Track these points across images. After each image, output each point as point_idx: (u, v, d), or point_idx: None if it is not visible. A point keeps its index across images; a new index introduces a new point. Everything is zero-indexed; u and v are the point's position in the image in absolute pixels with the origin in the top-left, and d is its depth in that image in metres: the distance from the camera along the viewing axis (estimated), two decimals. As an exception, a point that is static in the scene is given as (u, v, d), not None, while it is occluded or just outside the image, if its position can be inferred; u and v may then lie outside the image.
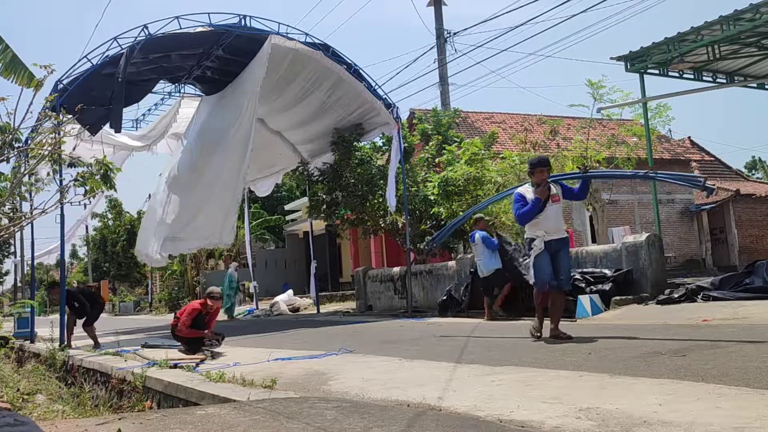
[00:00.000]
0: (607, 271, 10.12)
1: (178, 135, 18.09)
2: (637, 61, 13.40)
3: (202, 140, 13.97)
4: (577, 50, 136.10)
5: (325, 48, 13.77)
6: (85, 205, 7.01)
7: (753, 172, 44.72)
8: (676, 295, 9.39)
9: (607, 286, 9.80)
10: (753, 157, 46.43)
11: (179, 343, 8.77)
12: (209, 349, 7.87)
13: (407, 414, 3.60)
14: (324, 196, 16.97)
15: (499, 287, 10.89)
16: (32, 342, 12.20)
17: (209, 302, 8.50)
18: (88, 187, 5.72)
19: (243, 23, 13.03)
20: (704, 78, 14.76)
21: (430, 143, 18.49)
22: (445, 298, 12.55)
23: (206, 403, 4.81)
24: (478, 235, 11.05)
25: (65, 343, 10.59)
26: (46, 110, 5.89)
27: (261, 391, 4.80)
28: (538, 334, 6.78)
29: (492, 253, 10.90)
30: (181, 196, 13.91)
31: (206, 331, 8.25)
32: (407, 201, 15.38)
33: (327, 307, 19.50)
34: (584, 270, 10.38)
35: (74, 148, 9.18)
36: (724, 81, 15.08)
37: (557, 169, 14.29)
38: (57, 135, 5.63)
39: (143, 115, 17.43)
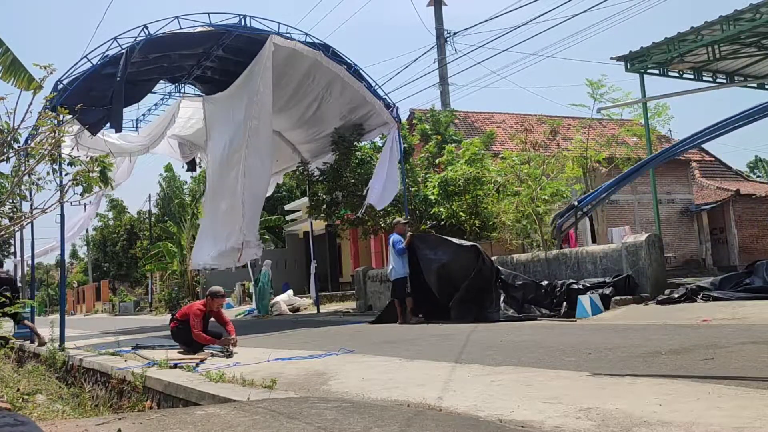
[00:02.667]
0: (606, 279, 10.13)
1: (178, 136, 18.09)
2: (637, 61, 13.40)
3: (222, 148, 14.03)
4: (577, 50, 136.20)
5: (325, 48, 13.77)
6: (85, 206, 7.02)
7: (755, 171, 44.75)
8: (676, 295, 9.40)
9: (607, 290, 9.82)
10: (756, 156, 46.57)
11: (171, 344, 8.76)
12: (224, 353, 7.73)
13: (407, 414, 3.60)
14: (324, 196, 16.97)
15: (400, 296, 10.99)
16: (32, 342, 12.19)
17: (215, 301, 8.47)
18: (85, 185, 5.72)
19: (243, 23, 13.03)
20: (704, 78, 14.77)
21: (430, 143, 18.51)
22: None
23: (206, 403, 4.80)
24: (393, 238, 11.27)
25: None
26: (46, 110, 5.90)
27: (261, 391, 4.80)
28: None
29: (400, 259, 10.96)
30: (217, 206, 13.94)
31: (228, 332, 8.20)
32: (407, 201, 15.39)
33: (327, 307, 19.49)
34: (585, 280, 10.39)
35: (74, 149, 9.19)
36: (724, 81, 15.08)
37: (557, 168, 14.30)
38: (56, 134, 5.63)
39: (143, 115, 17.43)
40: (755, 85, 15.98)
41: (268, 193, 21.26)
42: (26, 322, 11.71)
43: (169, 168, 44.85)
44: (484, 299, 10.40)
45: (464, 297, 10.51)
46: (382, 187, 14.31)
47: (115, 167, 15.51)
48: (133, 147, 17.01)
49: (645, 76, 13.71)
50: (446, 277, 10.86)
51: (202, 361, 7.07)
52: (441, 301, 10.88)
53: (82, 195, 5.99)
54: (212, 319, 8.55)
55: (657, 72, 13.93)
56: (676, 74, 14.39)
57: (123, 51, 11.73)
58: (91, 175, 5.64)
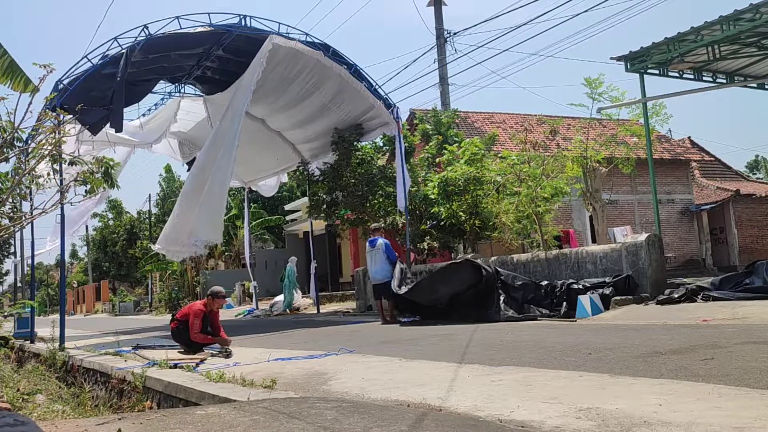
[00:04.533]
0: (606, 279, 10.12)
1: (178, 134, 18.07)
2: (637, 61, 13.39)
3: (206, 143, 13.95)
4: (577, 50, 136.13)
5: (325, 48, 13.77)
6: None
7: (755, 171, 44.79)
8: (676, 295, 9.40)
9: (607, 290, 9.81)
10: (756, 156, 46.61)
11: (171, 344, 8.74)
12: (222, 353, 7.76)
13: (407, 414, 3.60)
14: (324, 196, 16.96)
15: (388, 296, 11.36)
16: (32, 342, 12.19)
17: (215, 301, 8.47)
18: (89, 186, 5.72)
19: (243, 23, 13.02)
20: (704, 78, 14.76)
21: (431, 143, 18.51)
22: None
23: (206, 403, 4.81)
24: (382, 241, 11.67)
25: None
26: (47, 110, 5.91)
27: (261, 391, 4.80)
28: None
29: (390, 264, 11.38)
30: (182, 199, 13.87)
31: (221, 336, 8.22)
32: (407, 201, 15.39)
33: (327, 307, 19.49)
34: (585, 280, 10.36)
35: (77, 151, 9.17)
36: (724, 81, 15.07)
37: (557, 168, 14.27)
38: (57, 134, 5.64)
39: (143, 115, 17.43)
40: (755, 85, 15.97)
41: (272, 193, 21.34)
42: None
43: (169, 169, 44.90)
44: (486, 301, 10.39)
45: (467, 301, 10.49)
46: (404, 190, 14.49)
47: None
48: (134, 140, 16.93)
49: (645, 76, 13.70)
50: (457, 297, 10.72)
51: (202, 361, 7.07)
52: (443, 307, 10.84)
53: (85, 195, 5.99)
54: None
55: (657, 72, 13.91)
56: (676, 74, 14.37)
57: (123, 51, 11.73)
58: (96, 176, 5.64)
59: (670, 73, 14.22)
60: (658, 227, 13.70)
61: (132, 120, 16.83)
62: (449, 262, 11.51)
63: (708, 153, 29.97)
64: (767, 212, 25.61)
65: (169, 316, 13.96)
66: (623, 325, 7.97)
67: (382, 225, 12.83)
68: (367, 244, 12.34)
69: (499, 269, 11.15)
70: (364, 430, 3.23)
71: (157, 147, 18.39)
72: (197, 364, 6.72)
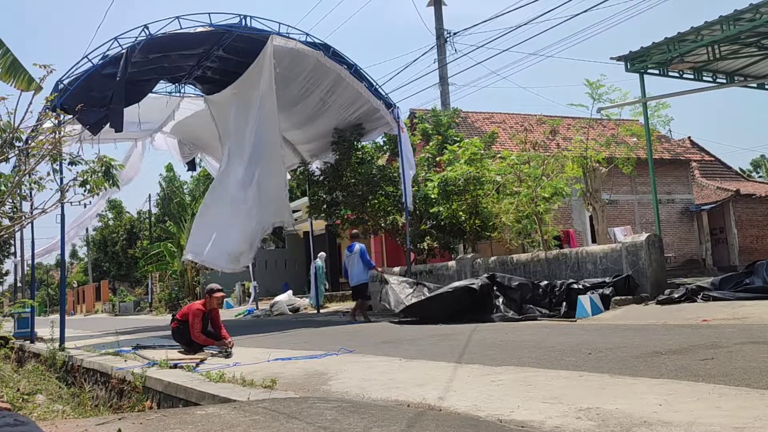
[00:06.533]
0: (606, 279, 10.11)
1: (178, 131, 18.04)
2: (637, 61, 13.39)
3: (228, 147, 14.05)
4: (577, 50, 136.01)
5: (325, 48, 13.77)
6: (85, 205, 7.02)
7: (758, 170, 44.81)
8: (676, 295, 9.40)
9: (607, 290, 9.81)
10: (762, 155, 46.51)
11: (171, 344, 8.74)
12: (222, 353, 7.77)
13: (407, 414, 3.60)
14: (324, 196, 16.97)
15: (363, 297, 12.68)
16: (32, 342, 12.19)
17: (213, 298, 8.45)
18: (89, 186, 5.72)
19: (243, 23, 13.03)
20: (704, 78, 14.75)
21: (431, 143, 18.50)
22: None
23: (206, 403, 4.81)
24: (359, 246, 12.66)
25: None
26: (47, 110, 5.91)
27: (261, 391, 4.80)
28: None
29: (366, 268, 12.57)
30: (213, 211, 13.95)
31: (223, 337, 8.21)
32: (408, 201, 15.39)
33: (327, 307, 19.48)
34: (585, 280, 10.35)
35: (79, 150, 9.17)
36: (724, 81, 15.07)
37: (557, 168, 14.28)
38: (57, 134, 5.64)
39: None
40: (755, 85, 15.97)
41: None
42: None
43: (169, 168, 44.83)
44: (484, 305, 10.36)
45: (465, 306, 10.45)
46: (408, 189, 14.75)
47: (126, 164, 15.55)
48: (134, 133, 16.92)
49: (645, 76, 13.69)
50: (454, 311, 10.67)
51: (202, 361, 7.07)
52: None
53: (85, 194, 5.98)
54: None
55: (657, 72, 13.90)
56: (676, 74, 14.36)
57: (123, 51, 11.74)
58: (98, 175, 5.64)
59: (670, 73, 14.21)
60: (658, 227, 13.69)
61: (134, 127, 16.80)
62: (446, 290, 11.21)
63: (708, 153, 29.97)
64: (767, 212, 25.62)
65: (169, 316, 13.95)
66: (623, 325, 7.97)
67: (359, 233, 13.43)
68: (346, 250, 12.90)
69: (494, 273, 11.08)
70: (363, 430, 3.23)
71: (158, 144, 18.40)
72: (197, 364, 6.72)
